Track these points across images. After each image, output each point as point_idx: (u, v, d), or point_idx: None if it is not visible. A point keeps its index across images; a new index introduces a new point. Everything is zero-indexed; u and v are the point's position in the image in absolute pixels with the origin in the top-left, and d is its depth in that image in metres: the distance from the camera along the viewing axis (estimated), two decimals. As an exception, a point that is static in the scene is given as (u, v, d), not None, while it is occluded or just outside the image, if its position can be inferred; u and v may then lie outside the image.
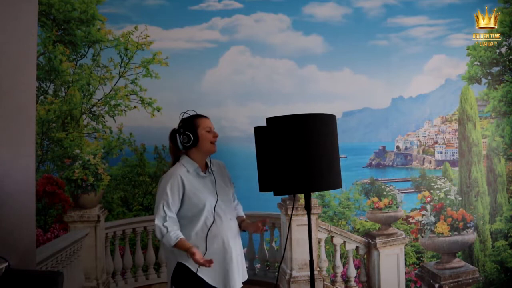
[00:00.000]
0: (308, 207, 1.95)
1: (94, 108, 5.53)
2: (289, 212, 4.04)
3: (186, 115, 2.06)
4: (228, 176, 2.20)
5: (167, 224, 1.92)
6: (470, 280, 4.65)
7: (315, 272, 2.63)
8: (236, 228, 2.10)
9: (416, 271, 5.29)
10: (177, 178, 1.98)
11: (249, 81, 6.67)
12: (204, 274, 1.94)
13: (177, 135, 2.04)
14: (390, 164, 7.78)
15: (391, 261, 4.46)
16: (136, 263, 4.39)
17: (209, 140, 2.05)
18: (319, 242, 4.25)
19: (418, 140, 7.48)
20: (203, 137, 2.03)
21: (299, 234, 4.05)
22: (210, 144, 2.05)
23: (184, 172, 2.01)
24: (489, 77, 5.81)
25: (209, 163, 2.11)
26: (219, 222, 2.00)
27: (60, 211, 4.82)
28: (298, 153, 1.81)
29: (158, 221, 1.93)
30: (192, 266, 1.93)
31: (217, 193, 2.03)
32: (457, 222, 4.72)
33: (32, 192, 2.43)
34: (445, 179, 5.70)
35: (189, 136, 2.00)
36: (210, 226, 1.97)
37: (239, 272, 2.04)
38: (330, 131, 1.91)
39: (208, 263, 1.85)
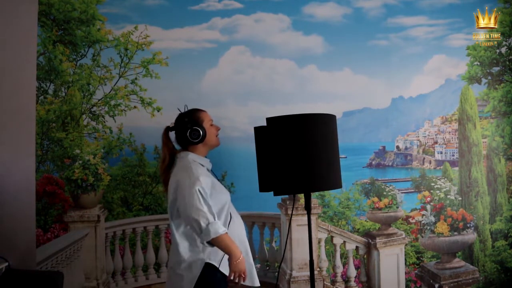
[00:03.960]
0: (308, 207, 1.95)
1: (94, 108, 5.53)
2: (289, 212, 4.04)
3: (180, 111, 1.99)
4: None
5: (214, 212, 1.80)
6: (470, 280, 4.65)
7: (315, 272, 2.63)
8: None
9: (416, 271, 5.29)
10: (203, 177, 1.84)
11: (249, 81, 6.67)
12: (227, 271, 1.88)
13: (184, 131, 1.92)
14: (390, 164, 7.78)
15: (391, 261, 4.45)
16: (136, 263, 4.39)
17: (214, 133, 2.00)
18: (319, 242, 4.24)
19: (418, 140, 7.49)
20: (210, 131, 1.97)
21: (299, 234, 4.04)
22: (216, 137, 2.00)
23: (203, 169, 1.91)
24: (489, 77, 5.81)
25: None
26: (236, 218, 1.97)
27: (60, 211, 4.82)
28: (298, 153, 1.81)
29: (200, 207, 1.77)
30: (220, 265, 1.87)
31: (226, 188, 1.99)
32: (457, 222, 4.72)
33: (32, 192, 2.42)
34: (445, 179, 5.70)
35: (199, 131, 1.91)
36: (228, 224, 1.91)
37: None
38: (330, 131, 1.90)
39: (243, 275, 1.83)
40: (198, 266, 1.84)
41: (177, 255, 1.87)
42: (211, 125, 2.00)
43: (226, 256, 1.88)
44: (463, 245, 4.85)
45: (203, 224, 1.77)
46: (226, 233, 1.81)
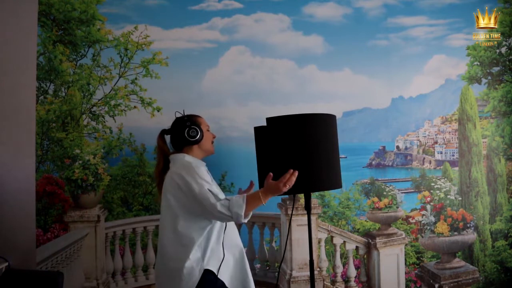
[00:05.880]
0: (308, 207, 1.95)
1: (94, 108, 5.53)
2: (289, 212, 4.04)
3: (178, 114, 1.95)
4: None
5: (224, 196, 1.74)
6: (470, 280, 4.65)
7: (315, 272, 2.63)
8: None
9: (416, 271, 5.29)
10: (204, 174, 1.81)
11: (249, 81, 6.67)
12: (225, 278, 1.82)
13: (182, 130, 1.88)
14: (390, 164, 7.78)
15: (391, 261, 4.46)
16: (136, 263, 4.40)
17: (210, 139, 1.97)
18: (319, 242, 4.25)
19: (418, 140, 7.48)
20: (207, 135, 1.95)
21: (299, 234, 4.04)
22: (211, 143, 1.98)
23: (204, 168, 1.88)
24: (489, 77, 5.81)
25: None
26: (232, 224, 1.93)
27: (60, 211, 4.82)
28: (298, 153, 1.81)
29: (213, 201, 1.70)
30: (219, 273, 1.79)
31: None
32: (457, 222, 4.72)
33: (32, 192, 2.43)
34: (445, 179, 5.70)
35: (197, 130, 1.89)
36: (225, 230, 1.86)
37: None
38: (330, 131, 1.90)
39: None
40: (195, 273, 1.74)
41: (170, 257, 1.80)
42: (208, 130, 1.97)
43: (225, 263, 1.82)
44: (463, 245, 4.85)
45: (227, 213, 1.71)
46: (244, 196, 1.73)
